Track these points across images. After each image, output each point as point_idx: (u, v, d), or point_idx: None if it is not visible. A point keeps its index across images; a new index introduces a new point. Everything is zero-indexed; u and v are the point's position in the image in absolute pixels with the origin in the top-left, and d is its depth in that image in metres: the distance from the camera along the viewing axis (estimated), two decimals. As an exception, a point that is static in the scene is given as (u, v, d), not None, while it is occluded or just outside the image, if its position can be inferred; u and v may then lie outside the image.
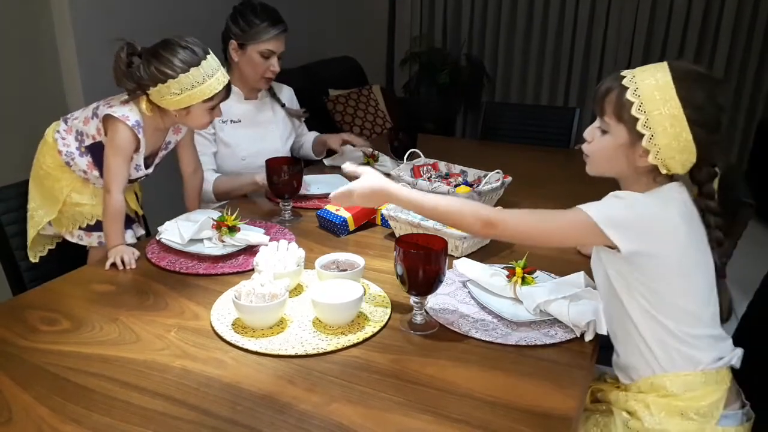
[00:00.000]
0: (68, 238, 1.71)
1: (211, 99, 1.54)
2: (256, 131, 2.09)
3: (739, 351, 1.13)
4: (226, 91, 1.58)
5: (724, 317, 1.14)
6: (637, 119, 1.04)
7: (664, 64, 1.07)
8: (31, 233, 1.68)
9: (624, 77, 1.07)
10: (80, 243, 1.71)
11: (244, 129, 2.07)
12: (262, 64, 2.00)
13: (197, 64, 1.49)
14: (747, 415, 1.13)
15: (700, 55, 4.34)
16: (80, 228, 1.70)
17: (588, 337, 1.18)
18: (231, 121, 2.05)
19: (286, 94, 2.27)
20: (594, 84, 4.65)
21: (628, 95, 1.05)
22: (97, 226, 1.67)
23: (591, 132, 1.15)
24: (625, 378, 1.18)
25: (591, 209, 1.06)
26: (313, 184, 1.97)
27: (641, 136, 1.05)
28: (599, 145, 1.13)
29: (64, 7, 2.59)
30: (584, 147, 1.17)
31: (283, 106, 2.20)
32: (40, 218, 1.68)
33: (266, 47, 1.98)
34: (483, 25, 4.86)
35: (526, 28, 4.73)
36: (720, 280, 1.13)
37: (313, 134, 2.35)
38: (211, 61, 1.53)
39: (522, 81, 4.85)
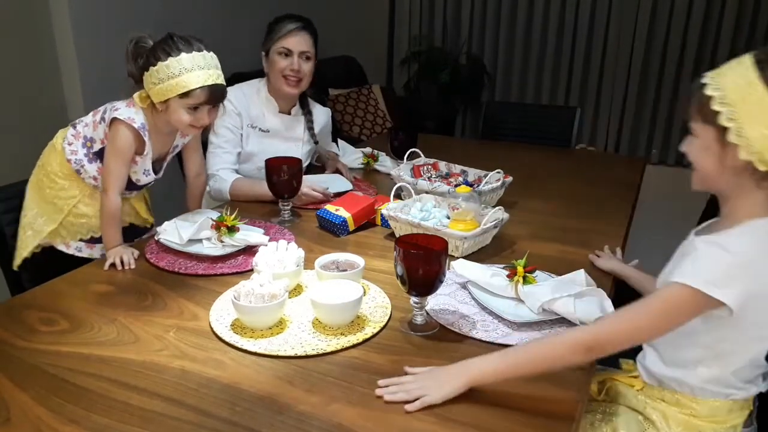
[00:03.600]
0: (61, 248, 1.65)
1: (187, 96, 1.47)
2: (281, 145, 2.06)
3: None
4: (211, 96, 1.50)
5: None
6: (719, 113, 0.95)
7: (746, 55, 0.97)
8: (30, 242, 1.62)
9: (705, 76, 0.99)
10: (77, 254, 1.65)
11: (270, 140, 2.06)
12: (280, 62, 1.96)
13: (177, 55, 1.45)
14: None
15: (701, 53, 4.34)
16: (81, 240, 1.66)
17: None
18: (260, 129, 2.04)
19: (322, 116, 2.22)
20: (595, 83, 4.65)
21: (709, 90, 0.97)
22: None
23: (685, 143, 1.06)
24: (649, 378, 1.16)
25: (686, 277, 0.94)
26: (322, 184, 1.94)
27: (728, 131, 0.95)
28: (692, 153, 1.04)
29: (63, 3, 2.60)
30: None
31: (311, 128, 2.13)
32: (41, 227, 1.62)
33: (282, 45, 1.96)
34: (483, 23, 4.86)
35: (526, 26, 4.72)
36: None
37: (330, 149, 2.32)
38: (197, 57, 1.47)
39: (522, 80, 4.84)
